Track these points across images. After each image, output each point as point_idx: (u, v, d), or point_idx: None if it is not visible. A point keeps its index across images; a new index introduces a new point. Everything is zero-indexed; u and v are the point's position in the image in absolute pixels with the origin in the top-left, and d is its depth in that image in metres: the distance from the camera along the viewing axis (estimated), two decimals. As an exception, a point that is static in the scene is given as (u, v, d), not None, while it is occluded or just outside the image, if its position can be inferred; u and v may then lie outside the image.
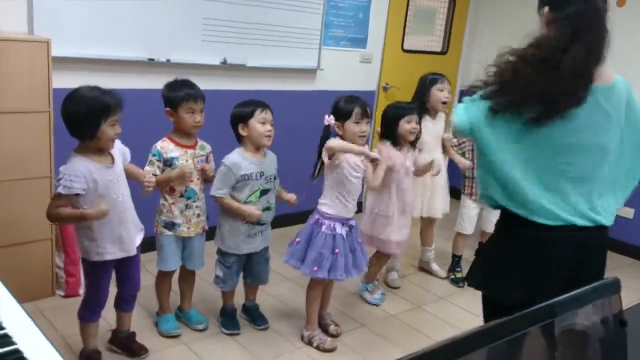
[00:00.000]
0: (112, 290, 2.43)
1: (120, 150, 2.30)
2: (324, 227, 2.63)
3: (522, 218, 1.77)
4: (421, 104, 3.34)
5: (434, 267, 3.75)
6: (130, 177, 2.39)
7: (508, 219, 1.83)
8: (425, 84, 3.38)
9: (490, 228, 3.65)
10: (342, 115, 2.62)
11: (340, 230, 2.63)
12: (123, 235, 2.26)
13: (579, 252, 1.78)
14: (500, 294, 1.85)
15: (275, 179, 2.71)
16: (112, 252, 2.25)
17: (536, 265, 1.79)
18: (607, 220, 1.79)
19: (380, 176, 2.74)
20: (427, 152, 3.26)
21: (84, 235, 2.23)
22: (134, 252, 2.33)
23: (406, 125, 2.94)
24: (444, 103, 3.38)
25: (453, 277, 3.67)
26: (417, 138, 3.05)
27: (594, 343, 0.92)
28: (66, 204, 2.14)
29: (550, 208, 1.71)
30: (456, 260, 3.72)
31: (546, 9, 1.77)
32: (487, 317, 2.06)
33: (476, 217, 3.63)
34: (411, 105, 3.03)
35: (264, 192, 2.65)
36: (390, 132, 2.98)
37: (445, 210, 3.61)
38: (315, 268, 2.60)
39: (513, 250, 1.84)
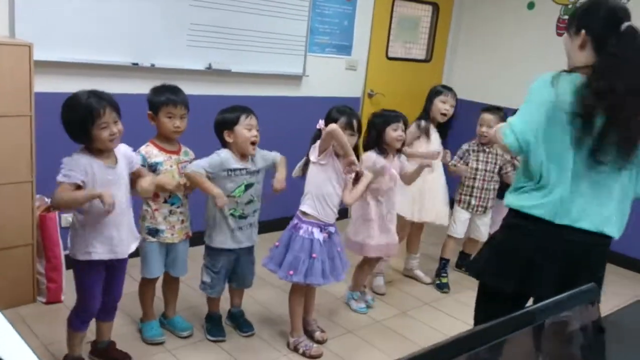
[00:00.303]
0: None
1: (127, 156, 2.31)
2: (301, 231, 2.63)
3: (533, 216, 1.88)
4: (427, 114, 3.49)
5: (419, 273, 3.77)
6: (136, 190, 2.35)
7: (518, 215, 1.93)
8: (431, 94, 3.51)
9: (478, 235, 3.71)
10: (329, 122, 2.64)
11: (318, 235, 2.63)
12: (113, 236, 2.24)
13: (580, 254, 1.87)
14: (496, 283, 1.96)
15: (259, 172, 2.69)
16: (100, 252, 2.23)
17: (537, 259, 1.89)
18: (611, 230, 1.87)
19: (357, 195, 2.73)
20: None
21: (75, 234, 2.23)
22: (123, 255, 2.30)
23: (392, 132, 2.97)
24: (444, 115, 3.50)
25: (439, 282, 3.70)
26: (403, 145, 3.10)
27: (573, 349, 0.93)
28: (69, 190, 2.11)
29: (571, 211, 1.84)
30: (443, 263, 3.75)
31: (582, 31, 1.82)
32: (480, 307, 2.14)
33: (467, 222, 3.69)
34: (397, 113, 3.06)
35: (248, 186, 2.64)
36: (376, 140, 3.00)
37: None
38: (290, 272, 2.60)
39: (516, 244, 1.94)
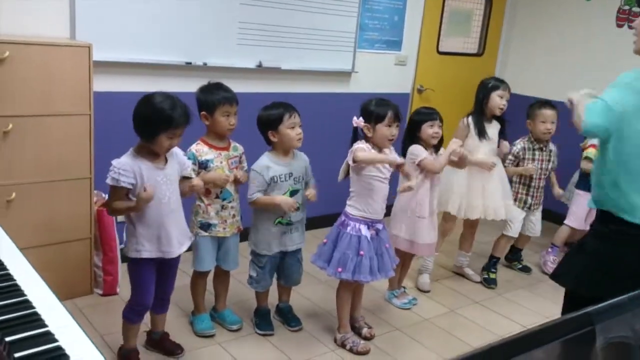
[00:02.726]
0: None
1: (179, 160, 2.36)
2: (349, 228, 2.64)
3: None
4: (481, 110, 3.37)
5: (468, 271, 3.72)
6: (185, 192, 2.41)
7: (616, 219, 1.81)
8: (487, 88, 3.36)
9: (533, 231, 3.68)
10: (373, 118, 2.62)
11: (366, 232, 2.63)
12: (162, 236, 2.29)
13: None
14: (597, 294, 1.82)
15: (303, 179, 2.72)
16: (149, 250, 2.29)
17: None
18: None
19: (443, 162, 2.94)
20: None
21: (128, 231, 2.31)
22: (172, 255, 2.34)
23: (429, 129, 2.97)
24: (501, 109, 3.37)
25: (486, 276, 3.64)
26: (441, 143, 3.07)
27: (636, 353, 0.89)
28: (121, 197, 2.21)
29: None
30: (494, 261, 3.69)
31: None
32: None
33: (522, 221, 3.63)
34: (433, 110, 3.04)
35: (293, 192, 2.66)
36: (414, 136, 3.02)
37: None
38: (339, 269, 2.61)
39: (620, 251, 1.81)
